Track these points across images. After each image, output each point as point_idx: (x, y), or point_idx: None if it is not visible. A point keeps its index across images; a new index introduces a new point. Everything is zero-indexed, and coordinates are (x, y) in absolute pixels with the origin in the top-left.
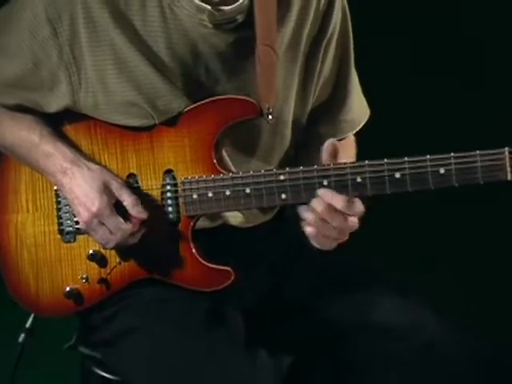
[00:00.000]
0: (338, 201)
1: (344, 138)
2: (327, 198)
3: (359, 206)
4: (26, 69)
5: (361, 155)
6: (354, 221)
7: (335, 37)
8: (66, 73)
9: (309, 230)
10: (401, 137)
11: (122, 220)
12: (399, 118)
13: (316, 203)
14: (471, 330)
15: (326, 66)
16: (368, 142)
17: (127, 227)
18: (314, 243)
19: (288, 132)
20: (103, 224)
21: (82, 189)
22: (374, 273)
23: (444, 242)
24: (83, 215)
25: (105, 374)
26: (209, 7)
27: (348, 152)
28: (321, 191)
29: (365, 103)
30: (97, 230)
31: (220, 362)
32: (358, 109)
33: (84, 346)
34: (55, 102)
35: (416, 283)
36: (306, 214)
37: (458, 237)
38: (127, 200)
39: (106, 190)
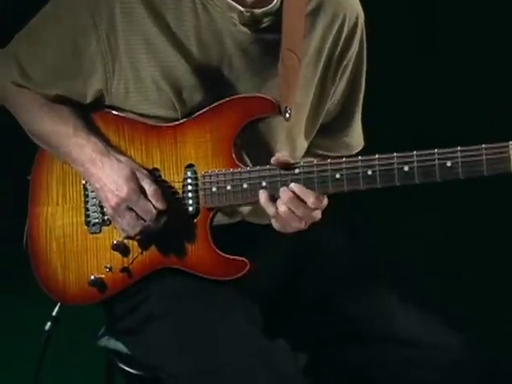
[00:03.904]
0: (308, 196)
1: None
2: (297, 191)
3: (325, 202)
4: (66, 58)
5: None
6: (317, 213)
7: (351, 63)
8: (102, 61)
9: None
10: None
11: (150, 204)
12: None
13: (283, 193)
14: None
15: (339, 88)
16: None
17: (155, 211)
18: (276, 226)
19: (300, 142)
20: (131, 209)
21: (111, 177)
22: (400, 281)
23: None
24: (111, 200)
25: (129, 369)
26: (240, 8)
27: None
28: (292, 185)
29: (361, 133)
30: (124, 215)
31: (243, 341)
32: (357, 135)
33: (111, 336)
34: (92, 89)
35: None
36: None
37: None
38: (148, 189)
39: (133, 177)
